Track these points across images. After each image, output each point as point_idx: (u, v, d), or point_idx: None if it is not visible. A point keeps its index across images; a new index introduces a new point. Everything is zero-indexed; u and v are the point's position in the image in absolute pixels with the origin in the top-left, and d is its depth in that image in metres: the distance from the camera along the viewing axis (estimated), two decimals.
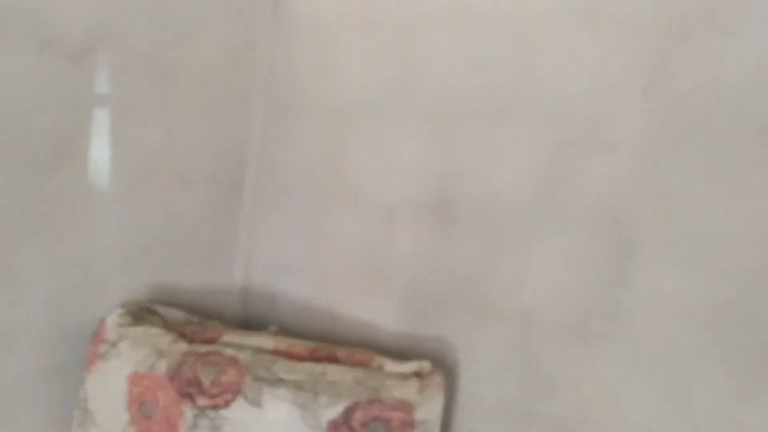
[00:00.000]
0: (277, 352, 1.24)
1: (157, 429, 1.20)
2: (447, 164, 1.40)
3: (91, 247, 1.40)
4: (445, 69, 1.40)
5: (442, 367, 1.34)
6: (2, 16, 1.23)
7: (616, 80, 1.21)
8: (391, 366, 1.23)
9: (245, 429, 1.15)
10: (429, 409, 1.16)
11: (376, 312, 1.48)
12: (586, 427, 1.22)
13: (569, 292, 1.25)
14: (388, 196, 1.47)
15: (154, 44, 1.42)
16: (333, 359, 1.25)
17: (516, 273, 1.31)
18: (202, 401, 1.19)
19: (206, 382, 1.20)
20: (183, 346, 1.26)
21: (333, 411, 1.14)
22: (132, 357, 1.26)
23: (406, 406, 1.16)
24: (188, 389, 1.20)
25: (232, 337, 1.30)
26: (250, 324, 1.60)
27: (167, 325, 1.38)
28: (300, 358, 1.24)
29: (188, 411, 1.19)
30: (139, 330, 1.31)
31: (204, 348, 1.26)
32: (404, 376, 1.20)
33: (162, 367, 1.23)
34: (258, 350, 1.24)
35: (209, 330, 1.34)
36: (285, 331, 1.46)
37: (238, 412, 1.17)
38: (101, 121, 1.38)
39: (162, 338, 1.29)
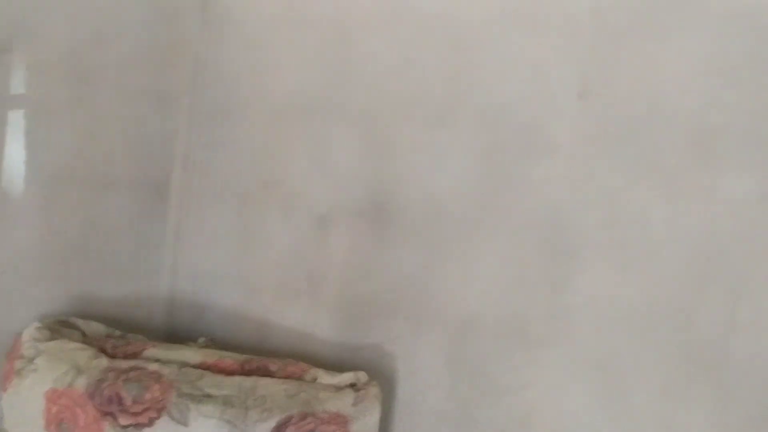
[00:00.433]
0: (204, 366, 1.18)
1: None
2: (384, 168, 1.36)
3: (4, 256, 1.32)
4: (382, 71, 1.37)
5: (380, 377, 1.30)
6: None
7: (553, 84, 1.20)
8: (325, 377, 1.19)
9: None
10: (364, 422, 1.12)
11: (311, 321, 1.43)
12: (529, 427, 1.21)
13: (510, 297, 1.24)
14: (322, 200, 1.42)
15: (72, 43, 1.35)
16: (264, 372, 1.19)
17: (456, 279, 1.29)
18: (124, 420, 1.12)
19: (128, 399, 1.12)
20: (103, 362, 1.19)
21: (264, 427, 1.09)
22: (49, 373, 1.19)
23: (341, 419, 1.11)
24: (109, 407, 1.13)
25: (156, 350, 1.23)
26: (177, 336, 1.53)
27: (87, 339, 1.30)
28: (229, 372, 1.18)
29: (110, 430, 1.12)
30: (57, 345, 1.24)
31: (126, 363, 1.18)
32: (339, 388, 1.16)
33: (81, 384, 1.16)
34: (184, 364, 1.18)
35: (132, 344, 1.27)
36: (214, 343, 1.40)
37: (162, 430, 1.10)
38: (16, 123, 1.32)
39: (81, 353, 1.22)
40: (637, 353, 1.11)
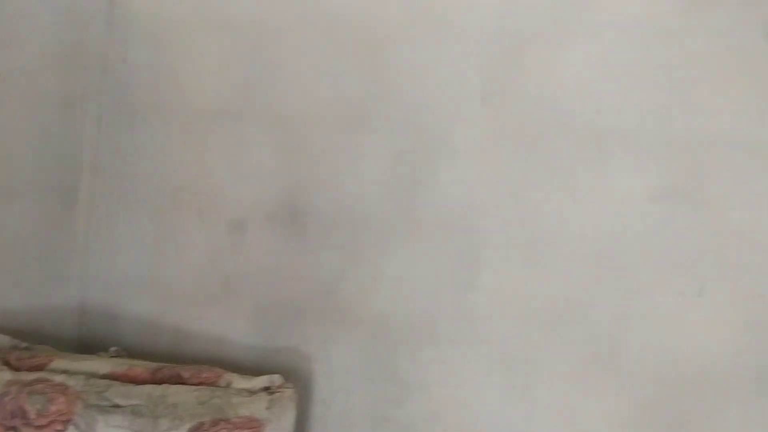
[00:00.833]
0: (113, 376, 1.16)
1: None
2: (299, 172, 1.37)
3: None
4: (296, 75, 1.37)
5: (297, 379, 1.30)
6: None
7: (460, 89, 1.24)
8: (239, 382, 1.19)
9: None
10: (279, 424, 1.13)
11: (227, 326, 1.42)
12: (438, 429, 1.24)
13: (420, 296, 1.26)
14: (238, 205, 1.42)
15: None
16: (176, 380, 1.18)
17: (369, 280, 1.31)
18: None
19: (32, 412, 1.09)
20: (6, 375, 1.15)
21: None
22: None
23: (255, 423, 1.11)
24: (12, 421, 1.10)
25: (63, 362, 1.20)
26: (88, 347, 1.49)
27: None
28: (139, 381, 1.16)
29: None
30: None
31: (30, 376, 1.15)
32: (253, 392, 1.16)
33: None
34: (91, 375, 1.15)
35: (38, 356, 1.23)
36: (126, 352, 1.37)
37: None
38: None
39: None
40: (541, 347, 1.16)
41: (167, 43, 1.49)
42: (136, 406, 1.09)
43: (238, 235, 1.42)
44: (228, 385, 1.19)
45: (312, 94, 1.36)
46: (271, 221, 1.38)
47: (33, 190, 1.42)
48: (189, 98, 1.46)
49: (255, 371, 1.31)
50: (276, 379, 1.19)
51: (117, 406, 1.09)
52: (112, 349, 1.38)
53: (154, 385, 1.14)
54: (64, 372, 1.17)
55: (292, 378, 1.28)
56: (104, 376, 1.16)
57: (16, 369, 1.19)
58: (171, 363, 1.27)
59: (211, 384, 1.18)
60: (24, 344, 1.32)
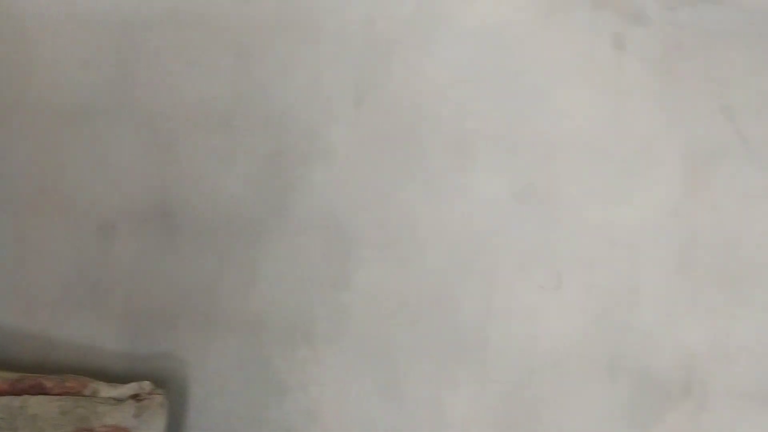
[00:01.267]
0: None
1: None
2: (170, 173, 1.34)
3: None
4: (166, 73, 1.34)
5: (170, 385, 1.28)
6: None
7: (330, 91, 1.25)
8: (106, 390, 1.15)
9: None
10: None
11: (96, 333, 1.36)
12: (314, 428, 1.25)
13: (294, 297, 1.27)
14: (105, 207, 1.36)
15: None
16: (39, 390, 1.13)
17: (244, 282, 1.30)
18: None
19: None
20: None
21: None
22: None
23: (121, 431, 1.09)
24: None
25: None
26: None
27: None
28: None
29: None
30: None
31: None
32: (120, 400, 1.12)
33: None
34: None
35: None
36: None
37: None
38: None
39: None
40: (411, 342, 1.19)
41: (27, 39, 1.42)
42: None
43: (106, 238, 1.37)
44: (94, 394, 1.15)
45: (183, 92, 1.33)
46: (141, 223, 1.34)
47: None
48: (51, 95, 1.39)
49: (126, 379, 1.27)
50: (145, 385, 1.16)
51: None
52: None
53: (13, 396, 1.09)
54: None
55: (165, 384, 1.25)
56: None
57: None
58: (35, 373, 1.22)
59: (75, 393, 1.14)
60: None
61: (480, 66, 1.16)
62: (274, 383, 1.27)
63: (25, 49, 1.41)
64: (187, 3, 1.32)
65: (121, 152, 1.36)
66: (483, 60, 1.16)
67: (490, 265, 1.15)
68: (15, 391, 1.12)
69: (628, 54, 1.09)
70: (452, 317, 1.17)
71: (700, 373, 1.04)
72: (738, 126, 1.04)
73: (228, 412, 1.30)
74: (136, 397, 1.15)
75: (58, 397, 1.11)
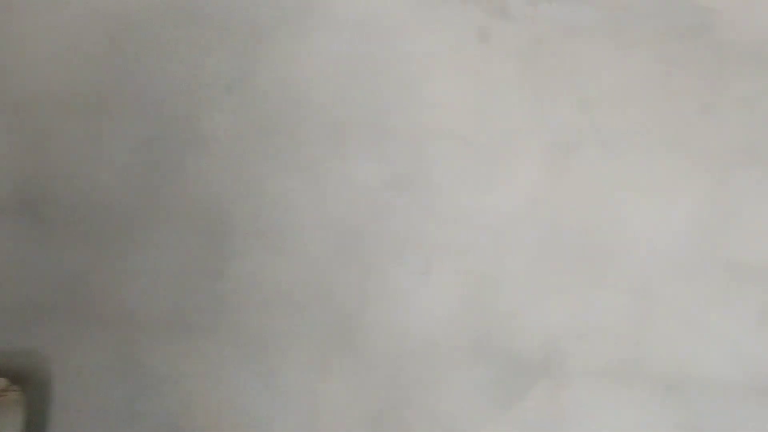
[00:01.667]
0: None
1: None
2: (36, 161, 1.28)
3: None
4: (32, 56, 1.28)
5: (32, 381, 1.22)
6: None
7: (205, 78, 1.23)
8: None
9: None
10: (2, 430, 1.05)
11: None
12: (189, 421, 1.23)
13: (172, 288, 1.24)
14: None
15: None
16: None
17: (115, 273, 1.26)
18: None
19: None
20: None
21: None
22: None
23: None
24: None
25: None
26: None
27: None
28: None
29: None
30: None
31: None
32: None
33: None
34: None
35: None
36: None
37: None
38: None
39: None
40: (287, 331, 1.20)
41: None
42: None
43: None
44: None
45: (52, 77, 1.28)
46: (3, 214, 1.28)
47: None
48: None
49: None
50: (0, 382, 1.11)
51: None
52: None
53: None
54: None
55: (26, 381, 1.20)
56: None
57: None
58: None
59: None
60: None
61: (353, 56, 1.17)
62: (147, 377, 1.24)
63: None
64: None
65: None
66: (356, 50, 1.17)
67: (364, 253, 1.17)
68: None
69: (493, 47, 1.13)
70: (328, 305, 1.18)
71: (559, 353, 1.09)
72: (593, 118, 1.10)
73: (97, 408, 1.26)
74: None
75: None
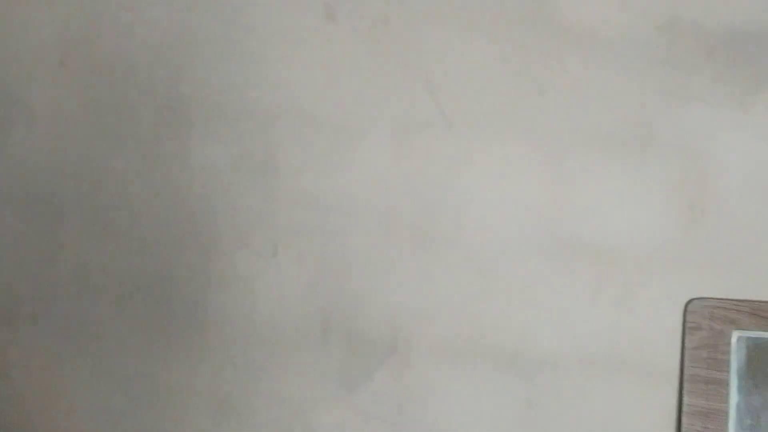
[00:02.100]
0: None
1: None
2: None
3: None
4: None
5: None
6: None
7: (35, 52, 1.15)
8: None
9: None
10: None
11: None
12: (18, 415, 1.15)
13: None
14: None
15: None
16: None
17: None
18: None
19: None
20: None
21: None
22: None
23: None
24: None
25: None
26: None
27: None
28: None
29: None
30: None
31: None
32: None
33: None
34: None
35: None
36: None
37: None
38: None
39: None
40: (124, 319, 1.14)
41: None
42: None
43: None
44: None
45: None
46: None
47: None
48: None
49: None
50: None
51: None
52: None
53: None
54: None
55: None
56: None
57: None
58: None
59: None
60: None
61: (195, 30, 1.12)
62: None
63: None
64: None
65: None
66: (197, 24, 1.12)
67: (208, 235, 1.13)
68: None
69: (339, 26, 1.11)
70: (168, 290, 1.13)
71: (405, 332, 1.10)
72: (438, 99, 1.11)
73: None
74: None
75: None
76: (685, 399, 1.02)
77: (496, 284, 1.08)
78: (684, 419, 1.02)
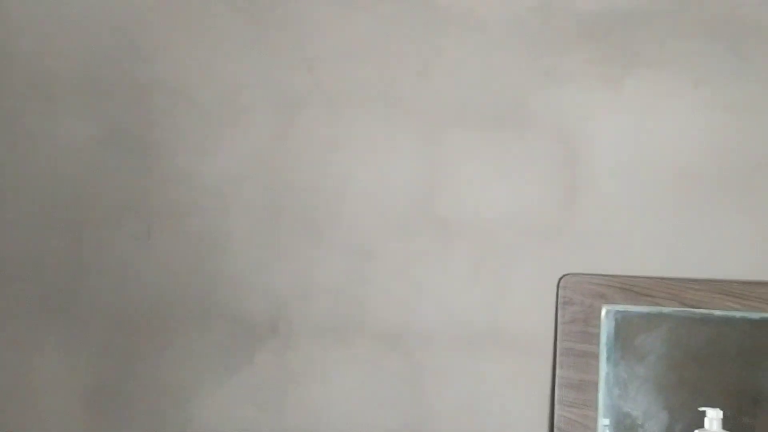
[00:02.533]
0: None
1: None
2: None
3: None
4: None
5: None
6: None
7: None
8: None
9: None
10: None
11: None
12: None
13: None
14: None
15: None
16: None
17: None
18: None
19: None
20: None
21: None
22: None
23: None
24: None
25: None
26: None
27: None
28: None
29: None
30: None
31: None
32: None
33: None
34: None
35: None
36: None
37: None
38: None
39: None
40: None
41: None
42: None
43: None
44: None
45: None
46: None
47: None
48: None
49: None
50: None
51: None
52: None
53: None
54: None
55: None
56: None
57: None
58: None
59: None
60: None
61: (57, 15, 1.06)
62: None
63: None
64: None
65: None
66: None
67: (77, 217, 1.08)
68: None
69: (219, 2, 1.07)
70: (37, 275, 1.08)
71: (286, 313, 1.08)
72: (318, 77, 1.09)
73: None
74: None
75: None
76: (559, 371, 1.05)
77: (377, 264, 1.08)
78: (557, 391, 1.05)
